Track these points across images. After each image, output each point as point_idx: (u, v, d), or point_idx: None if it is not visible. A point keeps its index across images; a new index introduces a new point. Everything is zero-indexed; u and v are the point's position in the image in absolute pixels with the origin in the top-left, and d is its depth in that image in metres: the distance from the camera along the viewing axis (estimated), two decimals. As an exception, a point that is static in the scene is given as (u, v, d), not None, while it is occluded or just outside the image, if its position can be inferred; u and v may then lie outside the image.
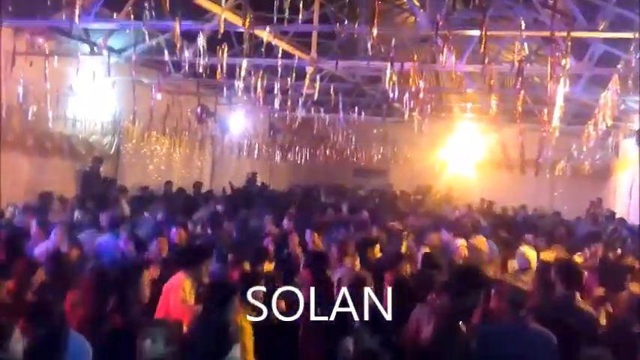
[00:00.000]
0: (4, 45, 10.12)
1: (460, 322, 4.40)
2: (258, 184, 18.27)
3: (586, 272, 7.00)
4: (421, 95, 10.30)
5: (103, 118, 13.45)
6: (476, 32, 9.30)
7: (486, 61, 8.90)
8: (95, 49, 11.59)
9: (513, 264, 7.54)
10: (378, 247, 7.76)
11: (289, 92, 12.49)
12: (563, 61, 7.77)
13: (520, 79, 8.66)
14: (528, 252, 7.24)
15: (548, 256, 7.77)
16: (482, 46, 8.52)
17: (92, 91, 12.48)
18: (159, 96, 12.06)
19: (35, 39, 10.75)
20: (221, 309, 4.44)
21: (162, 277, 6.12)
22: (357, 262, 6.93)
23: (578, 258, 8.13)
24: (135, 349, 3.83)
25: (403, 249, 8.20)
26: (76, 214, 9.47)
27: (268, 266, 6.90)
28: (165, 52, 10.51)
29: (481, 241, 8.27)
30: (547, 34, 8.12)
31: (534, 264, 7.05)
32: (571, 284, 5.35)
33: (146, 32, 9.54)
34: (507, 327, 4.51)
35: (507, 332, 4.47)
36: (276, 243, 8.43)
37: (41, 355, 3.13)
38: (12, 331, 3.48)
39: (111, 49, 11.90)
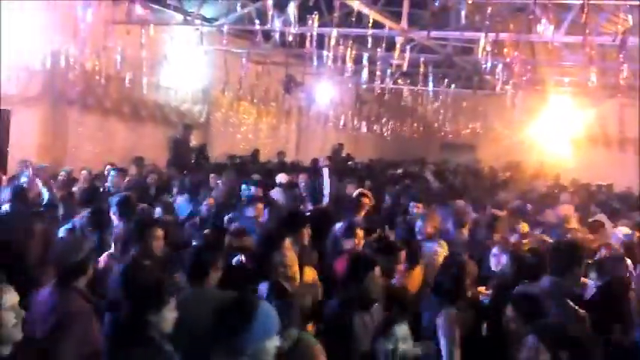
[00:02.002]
0: (104, 14, 10.49)
1: None
2: (344, 155, 18.29)
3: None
4: (515, 67, 9.92)
5: (194, 86, 13.77)
6: (577, 1, 8.89)
7: (587, 31, 8.48)
8: (188, 18, 11.80)
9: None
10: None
11: (378, 63, 12.33)
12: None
13: (622, 51, 8.20)
14: (624, 230, 7.05)
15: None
16: (584, 15, 8.11)
17: (184, 60, 12.77)
18: (248, 65, 12.21)
19: (132, 8, 11.10)
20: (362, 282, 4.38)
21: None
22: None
23: None
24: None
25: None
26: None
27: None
28: (256, 21, 10.59)
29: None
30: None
31: None
32: None
33: (238, 1, 9.62)
34: None
35: None
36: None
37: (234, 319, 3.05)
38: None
39: (203, 18, 12.11)
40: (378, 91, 15.68)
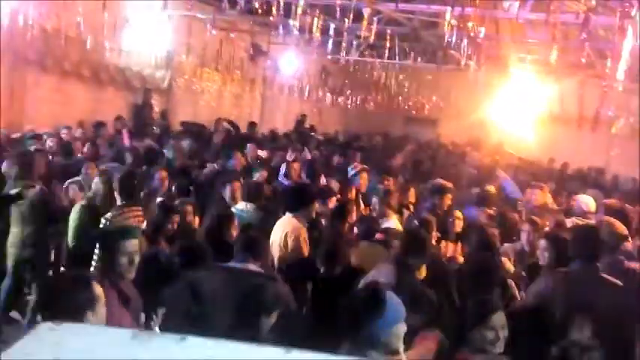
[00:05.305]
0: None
1: None
2: (307, 126, 18.26)
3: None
4: (479, 38, 9.99)
5: (157, 51, 13.51)
6: (542, -22, 8.98)
7: (551, 8, 8.59)
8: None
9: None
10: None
11: (344, 34, 12.29)
12: (633, 12, 7.43)
13: (585, 30, 8.34)
14: (586, 198, 7.26)
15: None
16: (549, -8, 8.21)
17: (147, 24, 12.52)
18: (213, 32, 12.04)
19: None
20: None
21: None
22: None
23: None
24: None
25: None
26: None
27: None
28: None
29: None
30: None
31: (593, 209, 7.10)
32: None
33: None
34: None
35: None
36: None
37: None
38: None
39: (168, -18, 11.87)
40: (343, 63, 15.64)
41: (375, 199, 7.12)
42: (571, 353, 3.38)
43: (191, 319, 3.58)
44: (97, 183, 6.25)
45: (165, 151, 9.39)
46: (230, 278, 3.93)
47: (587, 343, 3.43)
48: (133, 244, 3.75)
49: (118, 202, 5.61)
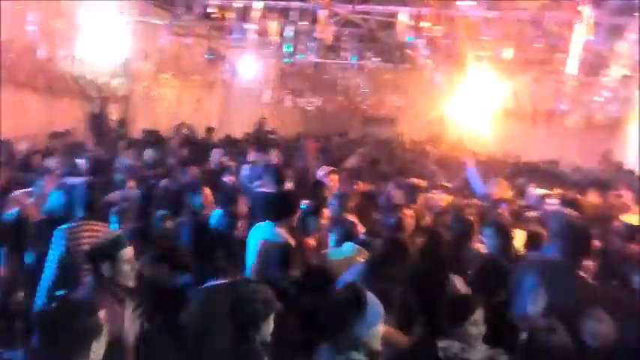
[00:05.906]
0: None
1: None
2: (267, 129, 18.21)
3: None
4: (435, 37, 10.13)
5: (114, 59, 13.29)
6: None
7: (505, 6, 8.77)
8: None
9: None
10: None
11: (302, 37, 12.29)
12: (581, 8, 7.65)
13: (538, 26, 8.54)
14: (538, 190, 7.44)
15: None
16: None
17: (102, 31, 12.31)
18: (170, 38, 11.91)
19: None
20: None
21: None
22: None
23: None
24: None
25: None
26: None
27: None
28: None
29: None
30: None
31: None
32: None
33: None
34: None
35: None
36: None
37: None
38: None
39: (122, -12, 11.71)
40: (301, 65, 15.66)
41: (334, 201, 7.01)
42: (538, 337, 3.48)
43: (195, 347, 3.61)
44: (56, 195, 6.10)
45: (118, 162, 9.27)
46: (223, 294, 3.91)
47: (551, 325, 3.53)
48: (128, 252, 3.79)
49: (79, 215, 5.48)
